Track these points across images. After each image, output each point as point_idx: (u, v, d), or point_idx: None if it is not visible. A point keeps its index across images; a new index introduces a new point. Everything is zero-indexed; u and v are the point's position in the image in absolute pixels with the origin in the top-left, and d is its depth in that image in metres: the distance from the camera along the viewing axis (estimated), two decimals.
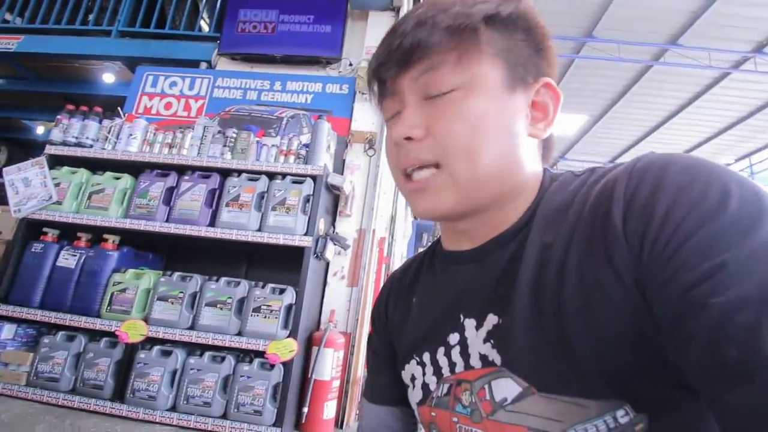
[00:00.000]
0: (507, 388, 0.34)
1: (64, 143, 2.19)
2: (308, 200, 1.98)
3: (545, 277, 0.34)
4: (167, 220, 2.04)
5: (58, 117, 2.24)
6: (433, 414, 0.40)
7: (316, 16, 2.73)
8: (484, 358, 0.37)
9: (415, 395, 0.43)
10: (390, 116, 0.42)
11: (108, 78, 3.28)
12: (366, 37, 2.64)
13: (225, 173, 2.10)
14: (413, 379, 0.43)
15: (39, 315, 1.89)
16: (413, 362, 0.43)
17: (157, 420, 1.70)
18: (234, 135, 2.17)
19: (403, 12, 2.65)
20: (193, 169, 2.13)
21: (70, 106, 2.28)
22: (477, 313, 0.38)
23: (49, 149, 2.17)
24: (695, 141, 8.71)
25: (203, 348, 1.84)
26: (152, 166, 2.15)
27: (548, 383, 0.32)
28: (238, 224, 1.97)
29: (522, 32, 0.39)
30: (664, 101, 7.39)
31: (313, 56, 2.70)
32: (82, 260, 2.00)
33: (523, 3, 0.40)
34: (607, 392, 0.30)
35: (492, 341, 0.37)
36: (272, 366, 1.77)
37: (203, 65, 2.86)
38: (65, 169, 2.16)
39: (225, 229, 1.95)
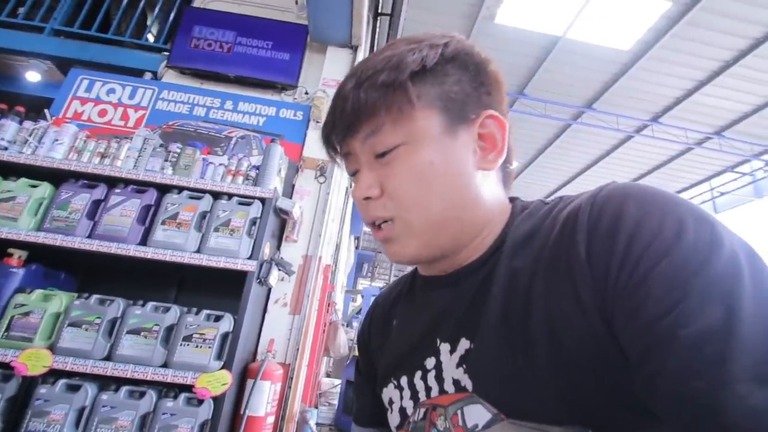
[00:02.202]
0: (478, 414, 0.35)
1: None
2: (255, 223, 1.92)
3: (513, 303, 0.35)
4: (89, 236, 1.84)
5: None
6: None
7: (275, 43, 2.76)
8: (456, 383, 0.38)
9: (393, 419, 0.43)
10: (352, 173, 0.45)
11: (32, 77, 2.98)
12: (323, 68, 2.71)
13: (163, 189, 1.97)
14: (391, 402, 0.43)
15: None
16: (391, 385, 0.44)
17: None
18: (178, 150, 2.06)
19: (361, 51, 2.78)
20: (127, 182, 1.97)
21: None
22: (451, 338, 0.39)
23: None
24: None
25: (120, 382, 1.64)
26: (78, 176, 1.95)
27: (515, 410, 0.33)
28: (174, 244, 1.84)
29: (455, 73, 0.41)
30: (580, 155, 8.39)
31: (268, 80, 2.70)
32: None
33: (451, 44, 0.41)
34: (571, 418, 0.31)
35: (464, 366, 0.37)
36: (201, 401, 1.62)
37: (148, 75, 2.72)
38: None
39: (159, 249, 1.81)
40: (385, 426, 0.47)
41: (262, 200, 1.95)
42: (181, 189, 1.95)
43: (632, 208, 0.32)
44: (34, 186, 1.90)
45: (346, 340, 3.22)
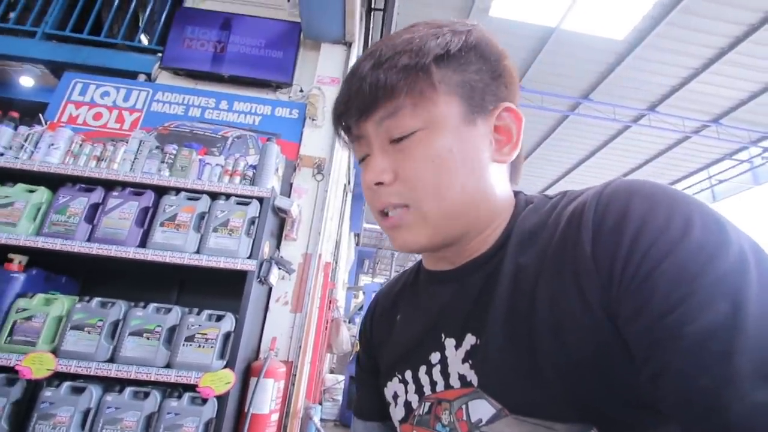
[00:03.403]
0: (482, 409, 0.35)
1: None
2: (253, 222, 1.92)
3: (518, 300, 0.35)
4: (89, 240, 1.85)
5: None
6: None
7: (269, 41, 2.75)
8: (462, 378, 0.38)
9: (397, 413, 0.43)
10: (360, 158, 0.43)
11: (26, 82, 2.96)
12: (318, 66, 2.71)
13: (161, 191, 1.97)
14: (395, 396, 0.43)
15: None
16: (395, 379, 0.44)
17: None
18: (174, 151, 2.07)
19: (355, 47, 2.77)
20: (124, 185, 1.97)
21: None
22: (456, 333, 0.39)
23: None
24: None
25: (124, 383, 1.65)
26: (75, 180, 1.95)
27: (519, 406, 0.33)
28: (174, 246, 1.85)
29: (476, 62, 0.40)
30: (578, 147, 8.39)
31: (263, 79, 2.69)
32: None
33: (474, 33, 0.41)
34: (575, 416, 0.31)
35: (470, 361, 0.38)
36: (205, 401, 1.63)
37: (142, 77, 2.71)
38: None
39: (158, 251, 1.81)
40: (386, 419, 0.47)
41: (260, 199, 1.95)
42: (178, 190, 1.95)
43: (639, 204, 0.31)
44: (32, 191, 1.90)
45: (348, 336, 3.24)
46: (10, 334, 1.65)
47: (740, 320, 0.25)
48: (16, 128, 2.02)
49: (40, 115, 2.20)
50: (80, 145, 2.04)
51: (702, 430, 0.24)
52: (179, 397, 1.64)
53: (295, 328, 2.11)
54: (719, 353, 0.24)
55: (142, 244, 1.87)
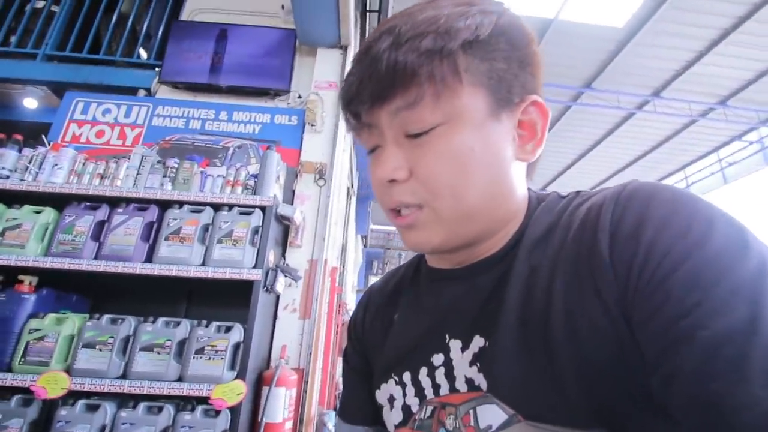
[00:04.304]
0: (492, 415, 0.33)
1: None
2: (257, 232, 1.92)
3: (531, 303, 0.34)
4: (96, 257, 1.87)
5: None
6: None
7: (265, 50, 2.76)
8: (470, 381, 0.36)
9: (393, 416, 0.41)
10: (370, 149, 0.40)
11: (30, 103, 3.01)
12: (315, 71, 2.71)
13: (164, 205, 1.98)
14: (391, 399, 0.41)
15: None
16: (391, 382, 0.42)
17: None
18: (175, 165, 2.08)
19: (351, 50, 2.77)
20: (128, 201, 1.98)
21: None
22: (463, 334, 0.38)
23: None
24: (608, 173, 9.77)
25: (137, 398, 1.66)
26: (80, 199, 1.97)
27: (534, 412, 0.32)
28: (179, 259, 1.85)
29: (505, 49, 0.37)
30: (583, 137, 8.29)
31: (261, 87, 2.70)
32: None
33: (504, 16, 0.37)
34: (592, 422, 0.30)
35: (478, 364, 0.36)
36: (218, 412, 1.64)
37: (142, 93, 2.74)
38: None
39: (164, 265, 1.82)
40: (376, 424, 0.45)
41: (263, 208, 1.95)
42: (181, 204, 1.96)
43: (658, 209, 0.31)
44: (38, 212, 1.92)
45: None
46: (24, 354, 1.67)
47: (756, 328, 0.24)
48: (20, 150, 2.05)
49: (43, 136, 2.23)
50: (83, 164, 2.06)
51: None
52: (192, 410, 1.65)
53: (305, 335, 2.10)
54: (732, 359, 0.24)
55: (149, 258, 1.88)
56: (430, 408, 0.38)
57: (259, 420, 1.77)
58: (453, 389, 0.37)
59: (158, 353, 1.72)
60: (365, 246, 8.08)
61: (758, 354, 0.24)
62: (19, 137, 2.07)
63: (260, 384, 1.87)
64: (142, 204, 1.96)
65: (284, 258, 2.21)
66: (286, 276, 2.04)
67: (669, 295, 0.27)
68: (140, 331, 1.75)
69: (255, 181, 2.08)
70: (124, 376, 1.68)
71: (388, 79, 0.34)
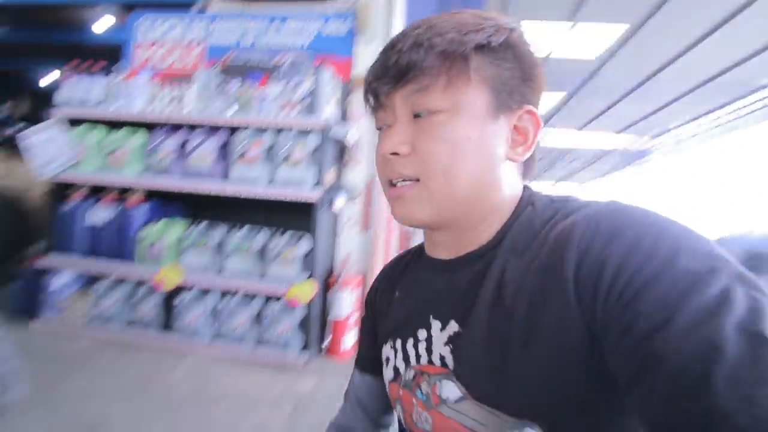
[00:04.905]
0: (451, 390, 0.40)
1: (76, 103, 2.24)
2: (315, 152, 2.02)
3: (501, 302, 0.38)
4: (182, 176, 2.14)
5: (64, 75, 2.26)
6: (400, 393, 0.47)
7: None
8: (442, 358, 0.42)
9: (387, 373, 0.50)
10: (380, 126, 0.45)
11: (101, 24, 3.18)
12: None
13: (232, 128, 2.14)
14: (387, 360, 0.50)
15: (88, 264, 2.12)
16: (388, 345, 0.50)
17: (200, 350, 1.97)
18: (236, 87, 2.16)
19: None
20: (200, 125, 2.16)
21: (73, 63, 2.28)
22: (443, 317, 0.43)
23: (62, 110, 2.23)
24: (742, 55, 7.86)
25: (232, 292, 2.05)
26: (161, 123, 2.19)
27: (481, 395, 0.38)
28: (250, 179, 2.06)
29: (511, 61, 0.41)
30: (711, 9, 6.57)
31: None
32: (114, 216, 2.16)
33: (514, 33, 0.42)
34: (526, 414, 0.36)
35: (451, 346, 0.42)
36: (294, 307, 1.98)
37: (196, 8, 2.74)
38: (81, 128, 2.23)
39: (237, 185, 2.05)
40: (379, 375, 0.54)
41: (319, 129, 2.02)
42: (245, 126, 2.09)
43: (630, 227, 0.33)
44: (132, 135, 2.20)
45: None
46: (145, 254, 2.10)
47: (719, 348, 0.26)
48: (105, 77, 2.26)
49: (120, 61, 2.41)
50: (157, 88, 2.23)
51: None
52: (277, 300, 2.00)
53: (364, 246, 2.32)
54: (700, 378, 0.25)
55: (224, 177, 2.11)
56: (412, 372, 0.45)
57: (328, 315, 2.10)
58: (429, 361, 0.44)
59: (244, 256, 2.05)
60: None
61: (722, 372, 0.25)
62: (102, 64, 2.27)
63: (327, 286, 2.17)
64: (213, 128, 2.13)
65: (342, 176, 2.33)
66: (345, 193, 2.18)
67: (637, 314, 0.29)
68: (229, 236, 2.08)
69: (310, 100, 2.11)
70: (220, 273, 2.06)
71: (407, 68, 0.40)
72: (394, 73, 0.41)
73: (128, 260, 2.12)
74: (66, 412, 1.34)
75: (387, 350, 0.50)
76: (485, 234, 0.43)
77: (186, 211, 2.43)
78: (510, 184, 0.43)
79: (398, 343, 0.48)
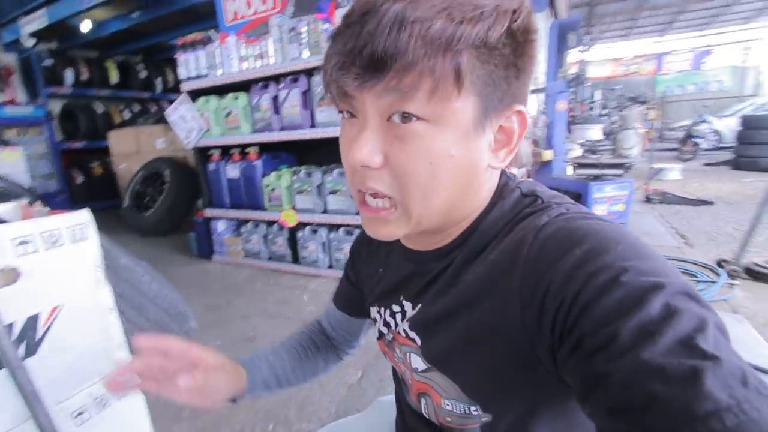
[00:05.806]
0: (418, 363, 0.46)
1: (193, 76, 2.62)
2: None
3: (453, 301, 0.41)
4: (281, 129, 2.38)
5: (177, 55, 2.63)
6: (385, 348, 0.54)
7: None
8: (408, 334, 0.48)
9: (376, 331, 0.56)
10: (343, 112, 0.38)
11: None
12: None
13: (309, 72, 2.21)
14: (375, 320, 0.56)
15: (234, 213, 2.69)
16: (375, 309, 0.56)
17: (322, 275, 2.40)
18: (304, 29, 2.17)
19: None
20: (283, 75, 2.29)
21: (183, 41, 2.62)
22: (412, 299, 0.47)
23: (184, 86, 2.64)
24: None
25: (337, 226, 2.34)
26: (255, 81, 2.41)
27: (442, 368, 0.43)
28: (334, 122, 2.16)
29: (507, 57, 0.35)
30: None
31: None
32: (241, 171, 2.62)
33: (519, 19, 0.34)
34: (475, 397, 0.41)
35: (416, 328, 0.46)
36: None
37: None
38: (201, 99, 2.63)
39: (322, 128, 2.19)
40: (350, 314, 0.62)
41: None
42: (319, 67, 2.13)
43: (576, 243, 0.32)
44: (236, 98, 2.50)
45: (528, 151, 3.14)
46: (269, 200, 2.53)
47: (660, 366, 0.26)
48: (204, 48, 2.54)
49: (213, 30, 2.64)
50: (244, 49, 2.41)
51: None
52: None
53: None
54: (646, 396, 0.26)
55: (312, 124, 2.27)
56: (391, 336, 0.51)
57: None
58: (401, 332, 0.49)
59: (340, 195, 2.27)
60: (555, 16, 6.41)
61: (664, 390, 0.25)
62: (200, 37, 2.54)
63: None
64: (294, 75, 2.24)
65: None
66: None
67: (584, 333, 0.29)
68: (325, 179, 2.31)
69: None
70: (325, 211, 2.36)
71: (382, 62, 0.32)
72: (365, 63, 0.32)
73: (260, 206, 2.59)
74: (232, 330, 1.88)
75: (374, 313, 0.56)
76: (455, 231, 0.43)
77: (291, 158, 2.76)
78: (488, 187, 0.41)
79: (382, 311, 0.53)
